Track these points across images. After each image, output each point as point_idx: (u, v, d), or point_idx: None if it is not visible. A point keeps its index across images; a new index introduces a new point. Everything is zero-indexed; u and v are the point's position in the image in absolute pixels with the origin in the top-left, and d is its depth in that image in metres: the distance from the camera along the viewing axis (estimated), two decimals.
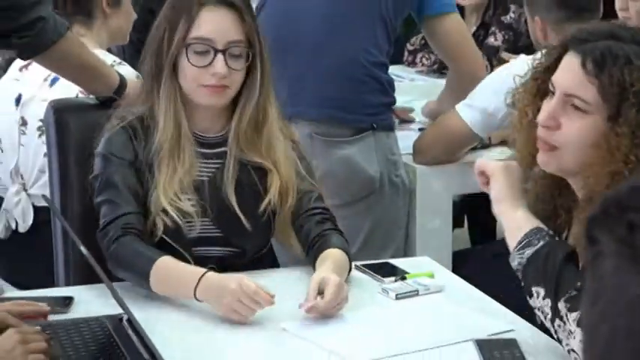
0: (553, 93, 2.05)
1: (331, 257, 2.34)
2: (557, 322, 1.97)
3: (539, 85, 2.11)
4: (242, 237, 2.44)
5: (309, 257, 2.41)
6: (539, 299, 1.98)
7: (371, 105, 3.23)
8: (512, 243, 2.06)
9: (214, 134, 2.45)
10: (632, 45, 2.02)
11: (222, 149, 2.43)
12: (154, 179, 2.35)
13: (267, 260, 2.56)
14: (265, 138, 2.43)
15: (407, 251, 3.24)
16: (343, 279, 2.29)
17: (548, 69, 2.09)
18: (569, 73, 2.02)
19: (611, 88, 1.97)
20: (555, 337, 2.00)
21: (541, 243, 2.02)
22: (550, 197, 2.17)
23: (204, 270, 2.21)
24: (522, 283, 2.03)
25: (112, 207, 2.33)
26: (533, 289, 1.99)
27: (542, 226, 2.05)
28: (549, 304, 1.98)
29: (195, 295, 2.17)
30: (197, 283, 2.16)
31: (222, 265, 2.39)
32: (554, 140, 2.02)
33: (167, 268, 2.24)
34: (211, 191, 2.40)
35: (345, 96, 3.20)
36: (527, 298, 2.03)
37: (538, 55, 2.17)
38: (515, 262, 2.04)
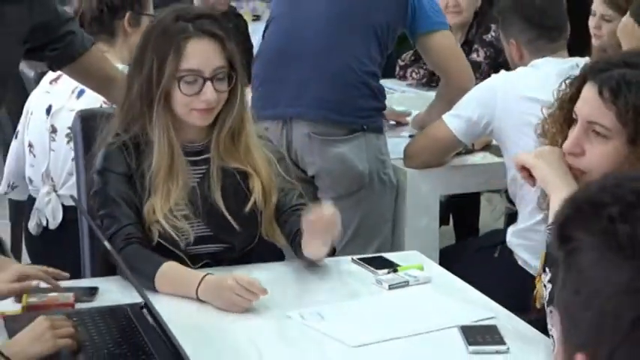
0: (577, 121, 2.04)
1: None
2: (551, 307, 1.94)
3: (565, 115, 2.10)
4: (231, 235, 2.44)
5: (294, 249, 2.42)
6: (545, 280, 1.96)
7: (362, 109, 3.24)
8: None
9: (198, 143, 2.44)
10: None
11: (206, 156, 2.43)
12: (146, 192, 2.35)
13: (255, 254, 2.55)
14: (243, 145, 2.44)
15: (397, 246, 3.22)
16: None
17: (572, 99, 2.08)
18: (589, 101, 2.01)
19: (627, 114, 1.96)
20: (549, 321, 1.97)
21: None
22: None
23: (203, 273, 2.21)
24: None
25: (113, 221, 2.33)
26: (547, 269, 1.96)
27: None
28: (550, 288, 1.96)
29: (197, 295, 2.18)
30: (198, 286, 2.18)
31: (215, 260, 2.42)
32: (581, 165, 2.01)
33: (170, 273, 2.25)
34: (200, 196, 2.40)
35: (341, 100, 3.21)
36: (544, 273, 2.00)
37: (562, 85, 2.14)
38: (547, 238, 2.02)
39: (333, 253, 2.45)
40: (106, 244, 2.11)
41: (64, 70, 2.85)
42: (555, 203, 2.01)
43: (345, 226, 2.57)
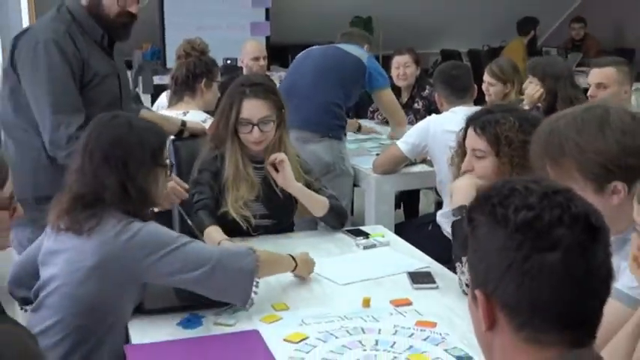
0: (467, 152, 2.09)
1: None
2: (458, 266, 1.96)
3: (461, 150, 2.15)
4: (280, 213, 2.43)
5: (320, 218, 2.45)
6: (464, 268, 1.92)
7: (329, 125, 3.34)
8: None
9: (260, 156, 2.40)
10: (499, 113, 2.07)
11: (263, 165, 2.39)
12: (224, 191, 2.33)
13: (289, 227, 2.53)
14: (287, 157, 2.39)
15: (368, 222, 3.17)
16: (301, 191, 2.34)
17: (463, 139, 2.13)
18: (470, 137, 2.08)
19: (491, 139, 2.02)
20: (456, 273, 1.99)
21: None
22: None
23: (224, 237, 2.18)
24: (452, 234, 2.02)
25: (200, 194, 2.31)
26: (454, 242, 1.98)
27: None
28: (457, 252, 1.97)
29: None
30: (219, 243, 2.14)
31: (267, 231, 2.38)
32: (478, 176, 2.04)
33: (210, 231, 2.21)
34: (262, 189, 2.37)
35: (317, 119, 3.29)
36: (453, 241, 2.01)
37: (460, 133, 2.16)
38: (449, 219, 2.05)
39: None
40: (188, 220, 2.14)
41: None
42: (454, 201, 2.05)
43: None
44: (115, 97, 2.32)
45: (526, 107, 3.39)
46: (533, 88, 3.40)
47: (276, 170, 2.31)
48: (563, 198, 0.92)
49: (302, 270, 2.01)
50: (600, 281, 0.92)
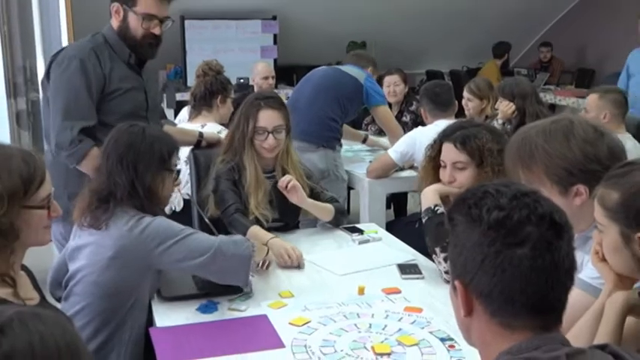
0: (444, 166, 2.06)
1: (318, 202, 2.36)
2: (434, 257, 1.97)
3: (433, 163, 2.12)
4: (287, 216, 2.41)
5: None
6: (441, 257, 1.93)
7: (325, 136, 3.29)
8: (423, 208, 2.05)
9: (270, 166, 2.39)
10: (471, 128, 2.06)
11: (274, 173, 2.38)
12: (244, 196, 2.30)
13: (296, 226, 2.50)
14: (290, 165, 2.40)
15: (362, 221, 3.16)
16: (313, 205, 2.31)
17: (435, 155, 2.10)
18: (450, 151, 2.04)
19: (472, 152, 2.01)
20: (435, 263, 2.00)
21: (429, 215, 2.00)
22: None
23: (272, 235, 2.17)
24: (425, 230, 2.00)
25: (224, 202, 2.29)
26: (437, 250, 1.95)
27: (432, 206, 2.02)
28: (430, 245, 1.97)
29: (267, 244, 2.08)
30: (268, 241, 2.11)
31: (277, 230, 2.35)
32: (455, 186, 2.03)
33: (254, 230, 2.21)
34: (274, 195, 2.35)
35: (313, 131, 3.25)
36: (427, 239, 1.99)
37: (430, 150, 2.14)
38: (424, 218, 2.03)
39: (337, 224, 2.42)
40: (206, 219, 2.10)
41: None
42: (422, 205, 2.04)
43: None
44: (139, 107, 2.31)
45: (500, 121, 3.40)
46: (506, 105, 3.40)
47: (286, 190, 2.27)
48: (531, 199, 0.92)
49: (272, 247, 2.04)
50: (564, 272, 0.91)
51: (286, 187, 2.25)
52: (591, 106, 3.09)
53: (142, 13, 2.20)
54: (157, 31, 2.24)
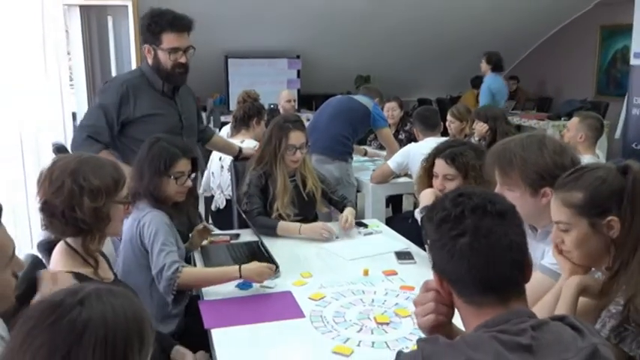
0: (437, 176, 2.02)
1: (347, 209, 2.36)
2: (426, 246, 1.94)
3: (426, 174, 2.09)
4: (307, 211, 2.39)
5: (339, 209, 2.42)
6: (423, 234, 1.90)
7: (339, 151, 3.22)
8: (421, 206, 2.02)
9: (290, 173, 2.37)
10: (460, 147, 2.02)
11: (295, 177, 2.37)
12: (270, 198, 2.29)
13: (314, 219, 2.46)
14: (307, 171, 2.39)
15: (366, 217, 3.11)
16: (351, 212, 2.31)
17: (429, 168, 2.07)
18: (441, 166, 2.00)
19: (460, 167, 1.97)
20: (427, 252, 1.94)
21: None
22: None
23: (299, 225, 2.17)
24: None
25: (252, 204, 2.27)
26: (423, 230, 1.92)
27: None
28: (425, 237, 1.94)
29: (299, 233, 2.12)
30: (299, 230, 2.13)
31: (299, 222, 2.32)
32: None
33: (283, 225, 2.20)
34: (295, 195, 2.34)
35: (330, 147, 3.19)
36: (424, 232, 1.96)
37: (425, 163, 2.11)
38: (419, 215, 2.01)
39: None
40: (244, 215, 2.10)
41: (206, 146, 2.61)
42: (421, 204, 2.02)
43: None
44: (173, 126, 2.23)
45: (477, 138, 3.36)
46: (481, 126, 3.36)
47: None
48: (466, 197, 0.88)
49: (250, 277, 1.69)
50: (504, 249, 0.85)
51: (345, 224, 2.27)
52: (572, 127, 2.98)
53: (168, 49, 2.15)
54: (183, 59, 2.17)
